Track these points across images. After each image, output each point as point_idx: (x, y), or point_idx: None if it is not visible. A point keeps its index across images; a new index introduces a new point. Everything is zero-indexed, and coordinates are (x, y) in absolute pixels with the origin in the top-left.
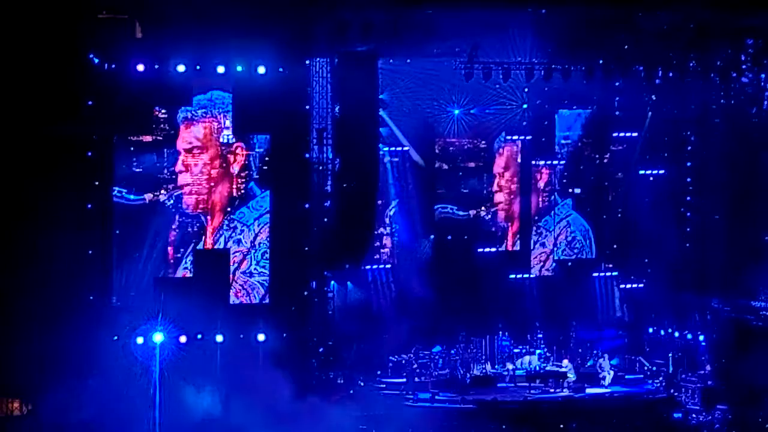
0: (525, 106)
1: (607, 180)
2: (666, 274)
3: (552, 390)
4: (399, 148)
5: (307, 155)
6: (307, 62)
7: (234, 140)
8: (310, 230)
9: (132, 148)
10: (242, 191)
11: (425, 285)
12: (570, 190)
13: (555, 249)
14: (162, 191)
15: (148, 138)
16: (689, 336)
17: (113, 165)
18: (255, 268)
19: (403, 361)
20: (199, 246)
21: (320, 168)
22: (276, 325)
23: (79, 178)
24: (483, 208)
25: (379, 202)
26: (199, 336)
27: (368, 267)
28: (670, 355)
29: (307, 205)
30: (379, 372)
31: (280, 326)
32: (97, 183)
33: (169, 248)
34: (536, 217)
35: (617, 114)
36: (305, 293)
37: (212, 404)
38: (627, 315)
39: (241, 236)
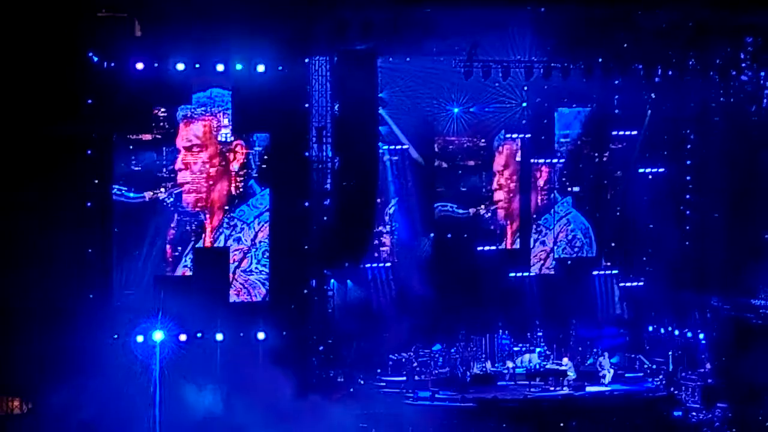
0: (524, 104)
1: (606, 178)
2: (666, 272)
3: (552, 388)
4: (398, 147)
5: (307, 153)
6: (307, 61)
7: (233, 138)
8: (310, 228)
9: (131, 147)
10: (242, 189)
11: (425, 283)
12: (569, 189)
13: (555, 247)
14: (162, 189)
15: (147, 136)
16: (689, 334)
17: (113, 163)
18: (256, 267)
19: (403, 360)
20: (199, 244)
21: (320, 166)
22: (276, 324)
23: (79, 177)
24: (483, 206)
25: (379, 200)
26: (199, 334)
27: (368, 265)
28: (670, 353)
29: (306, 204)
30: (379, 370)
31: (280, 324)
32: (96, 181)
33: (167, 247)
34: (535, 215)
35: (617, 112)
36: (305, 291)
37: (212, 403)
38: (627, 313)
39: (241, 234)
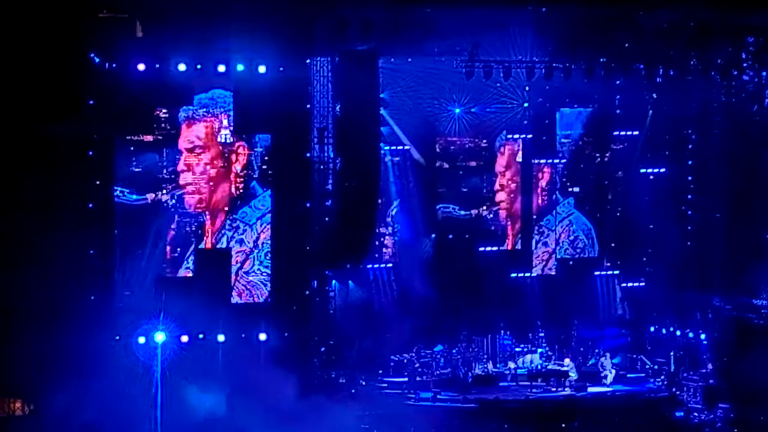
0: (526, 104)
1: (607, 178)
2: (667, 272)
3: (554, 389)
4: (400, 147)
5: (308, 154)
6: (308, 61)
7: (234, 140)
8: (312, 229)
9: (133, 148)
10: (243, 190)
11: (427, 284)
12: (570, 189)
13: (558, 248)
14: (163, 191)
15: (149, 137)
16: (691, 334)
17: (114, 164)
18: (258, 268)
19: (405, 361)
20: (201, 245)
21: (321, 167)
22: (278, 325)
23: (80, 178)
24: (484, 207)
25: (380, 201)
26: (201, 336)
27: (370, 266)
28: (671, 353)
29: (308, 205)
30: (380, 371)
31: (281, 326)
32: (98, 182)
33: (167, 248)
34: (537, 216)
35: (618, 112)
36: (307, 292)
37: (214, 404)
38: (628, 313)
39: (243, 236)
